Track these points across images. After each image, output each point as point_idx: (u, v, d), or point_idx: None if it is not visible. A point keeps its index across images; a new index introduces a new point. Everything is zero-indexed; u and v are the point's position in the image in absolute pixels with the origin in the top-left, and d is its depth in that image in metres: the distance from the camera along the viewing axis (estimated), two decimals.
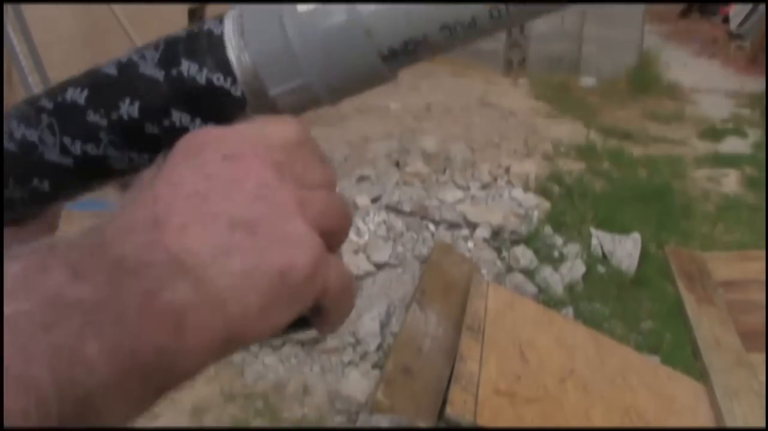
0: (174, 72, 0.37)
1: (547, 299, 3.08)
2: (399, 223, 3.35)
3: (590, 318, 2.99)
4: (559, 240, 3.51)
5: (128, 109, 0.37)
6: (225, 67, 0.37)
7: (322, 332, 0.37)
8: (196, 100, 0.37)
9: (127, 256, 0.29)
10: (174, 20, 5.42)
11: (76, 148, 0.38)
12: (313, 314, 0.35)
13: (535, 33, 7.17)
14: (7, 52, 3.57)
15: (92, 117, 0.37)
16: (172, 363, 0.29)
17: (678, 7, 11.24)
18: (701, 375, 2.59)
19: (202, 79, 0.37)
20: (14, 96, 3.70)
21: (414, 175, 3.97)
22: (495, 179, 4.10)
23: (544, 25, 7.13)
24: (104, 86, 0.38)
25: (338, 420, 2.33)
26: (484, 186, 3.98)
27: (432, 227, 3.40)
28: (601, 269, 3.41)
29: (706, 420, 2.36)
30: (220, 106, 0.37)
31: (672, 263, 3.47)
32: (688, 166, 5.13)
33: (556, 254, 3.42)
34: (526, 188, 4.03)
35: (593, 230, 3.63)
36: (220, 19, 0.39)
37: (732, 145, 5.67)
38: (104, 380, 0.27)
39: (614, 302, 3.20)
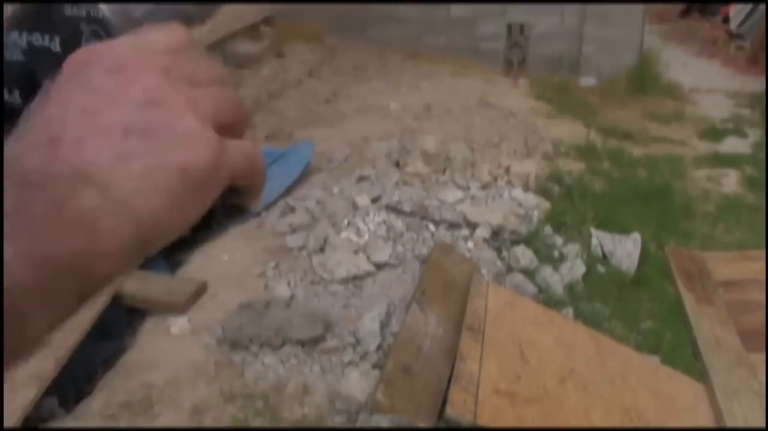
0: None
1: (547, 299, 3.08)
2: (399, 223, 3.35)
3: (590, 318, 2.99)
4: (559, 240, 3.51)
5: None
6: None
7: (246, 206, 0.40)
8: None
9: (32, 171, 0.30)
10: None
11: None
12: (231, 196, 0.37)
13: (535, 33, 7.17)
14: None
15: None
16: (89, 267, 0.30)
17: (678, 7, 11.23)
18: (701, 375, 2.59)
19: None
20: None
21: (414, 175, 3.97)
22: (495, 179, 4.10)
23: (544, 25, 7.13)
24: None
25: (338, 420, 2.32)
26: (484, 186, 3.98)
27: (432, 227, 3.40)
28: (601, 269, 3.41)
29: (706, 420, 2.36)
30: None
31: (672, 263, 3.47)
32: (688, 166, 5.12)
33: (556, 254, 3.42)
34: (526, 188, 4.03)
35: (593, 230, 3.63)
36: None
37: (732, 145, 5.67)
38: (20, 280, 0.29)
39: (614, 302, 3.20)
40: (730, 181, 4.92)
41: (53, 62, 0.41)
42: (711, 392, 2.44)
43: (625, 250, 3.51)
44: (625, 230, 3.69)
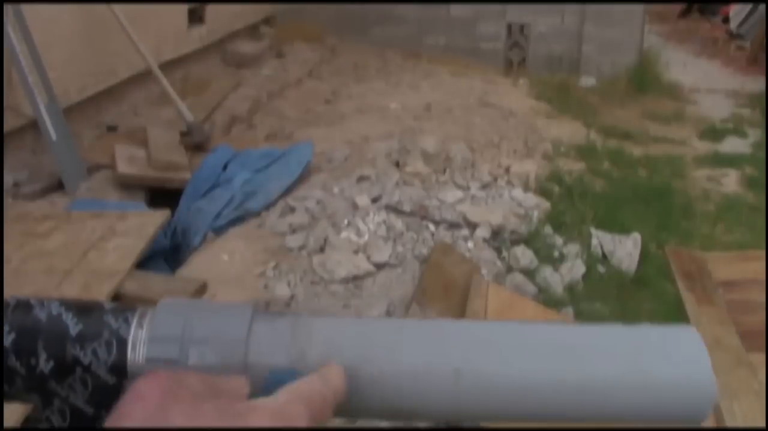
0: (79, 356, 0.43)
1: (547, 299, 3.08)
2: (399, 223, 3.35)
3: (590, 318, 2.99)
4: (559, 240, 3.51)
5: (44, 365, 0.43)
6: (121, 368, 0.43)
7: None
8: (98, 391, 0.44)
9: None
10: (174, 20, 5.42)
11: None
12: None
13: (535, 33, 7.17)
14: (7, 52, 3.57)
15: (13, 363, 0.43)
16: None
17: (678, 7, 11.24)
18: None
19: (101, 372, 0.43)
20: (14, 96, 3.70)
21: (414, 175, 3.97)
22: (495, 179, 4.10)
23: (544, 25, 7.13)
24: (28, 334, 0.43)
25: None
26: (484, 186, 3.98)
27: (432, 227, 3.40)
28: (601, 269, 3.41)
29: (706, 420, 2.35)
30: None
31: (672, 263, 3.47)
32: (688, 166, 5.12)
33: (556, 254, 3.42)
34: (526, 188, 4.03)
35: (593, 230, 3.63)
36: (126, 318, 0.45)
37: (732, 145, 5.67)
38: None
39: (614, 302, 3.20)
40: (730, 181, 4.92)
41: None
42: None
43: (625, 250, 3.51)
44: (625, 230, 3.69)
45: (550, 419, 0.48)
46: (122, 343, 0.43)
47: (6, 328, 0.43)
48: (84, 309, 0.45)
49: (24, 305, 0.44)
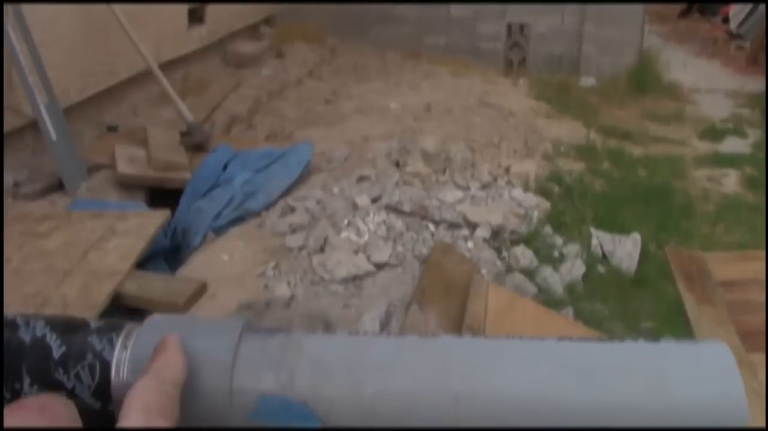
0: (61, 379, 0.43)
1: (547, 299, 3.08)
2: (399, 223, 3.35)
3: (590, 318, 2.99)
4: (559, 240, 3.51)
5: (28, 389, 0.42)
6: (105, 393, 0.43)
7: None
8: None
9: None
10: (174, 20, 5.42)
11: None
12: None
13: (535, 33, 7.17)
14: (7, 52, 3.57)
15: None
16: None
17: (678, 7, 11.24)
18: None
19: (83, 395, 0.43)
20: (14, 96, 3.70)
21: (414, 175, 3.97)
22: (495, 179, 4.10)
23: (544, 25, 7.13)
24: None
25: None
26: (484, 186, 3.97)
27: (432, 227, 3.40)
28: (601, 269, 3.40)
29: None
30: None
31: (672, 263, 3.47)
32: (688, 166, 5.12)
33: (556, 254, 3.42)
34: (526, 188, 4.02)
35: (593, 230, 3.63)
36: (111, 339, 0.44)
37: (732, 145, 5.67)
38: None
39: (614, 302, 3.19)
40: (730, 181, 4.92)
41: None
42: None
43: (625, 250, 3.51)
44: (625, 230, 3.68)
45: None
46: (106, 366, 0.42)
47: None
48: (69, 329, 0.43)
49: (9, 326, 0.43)
